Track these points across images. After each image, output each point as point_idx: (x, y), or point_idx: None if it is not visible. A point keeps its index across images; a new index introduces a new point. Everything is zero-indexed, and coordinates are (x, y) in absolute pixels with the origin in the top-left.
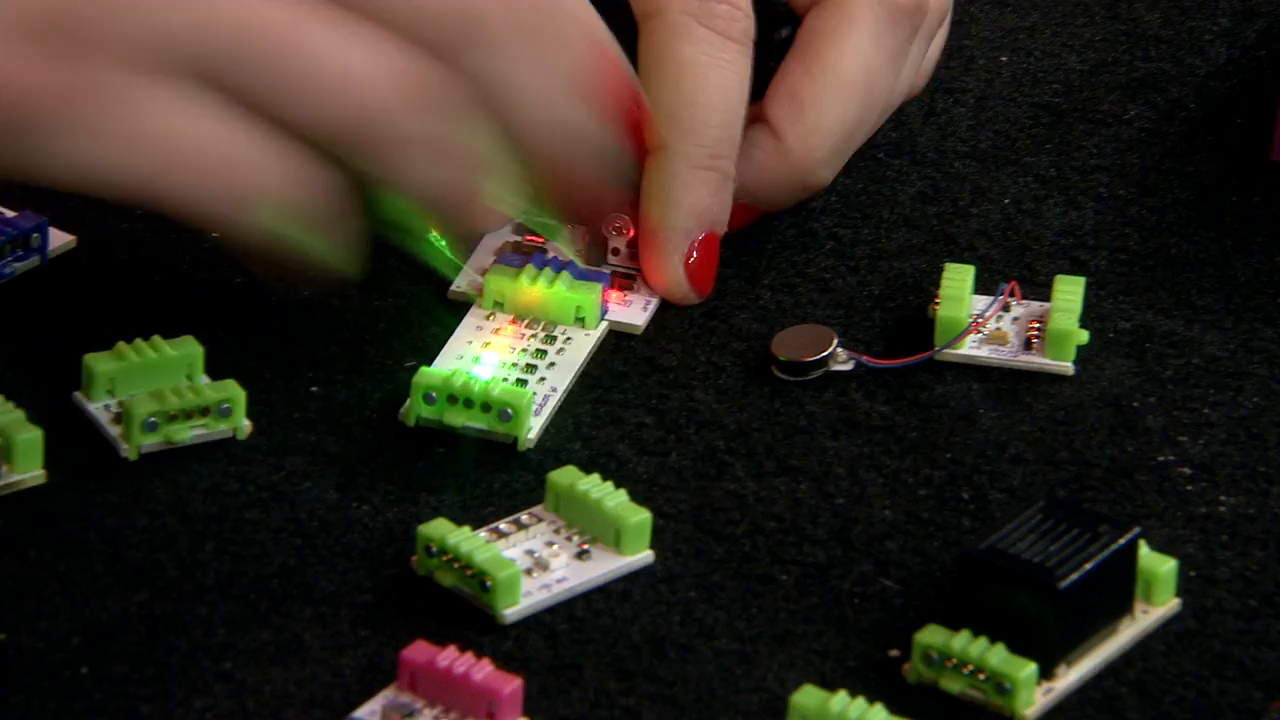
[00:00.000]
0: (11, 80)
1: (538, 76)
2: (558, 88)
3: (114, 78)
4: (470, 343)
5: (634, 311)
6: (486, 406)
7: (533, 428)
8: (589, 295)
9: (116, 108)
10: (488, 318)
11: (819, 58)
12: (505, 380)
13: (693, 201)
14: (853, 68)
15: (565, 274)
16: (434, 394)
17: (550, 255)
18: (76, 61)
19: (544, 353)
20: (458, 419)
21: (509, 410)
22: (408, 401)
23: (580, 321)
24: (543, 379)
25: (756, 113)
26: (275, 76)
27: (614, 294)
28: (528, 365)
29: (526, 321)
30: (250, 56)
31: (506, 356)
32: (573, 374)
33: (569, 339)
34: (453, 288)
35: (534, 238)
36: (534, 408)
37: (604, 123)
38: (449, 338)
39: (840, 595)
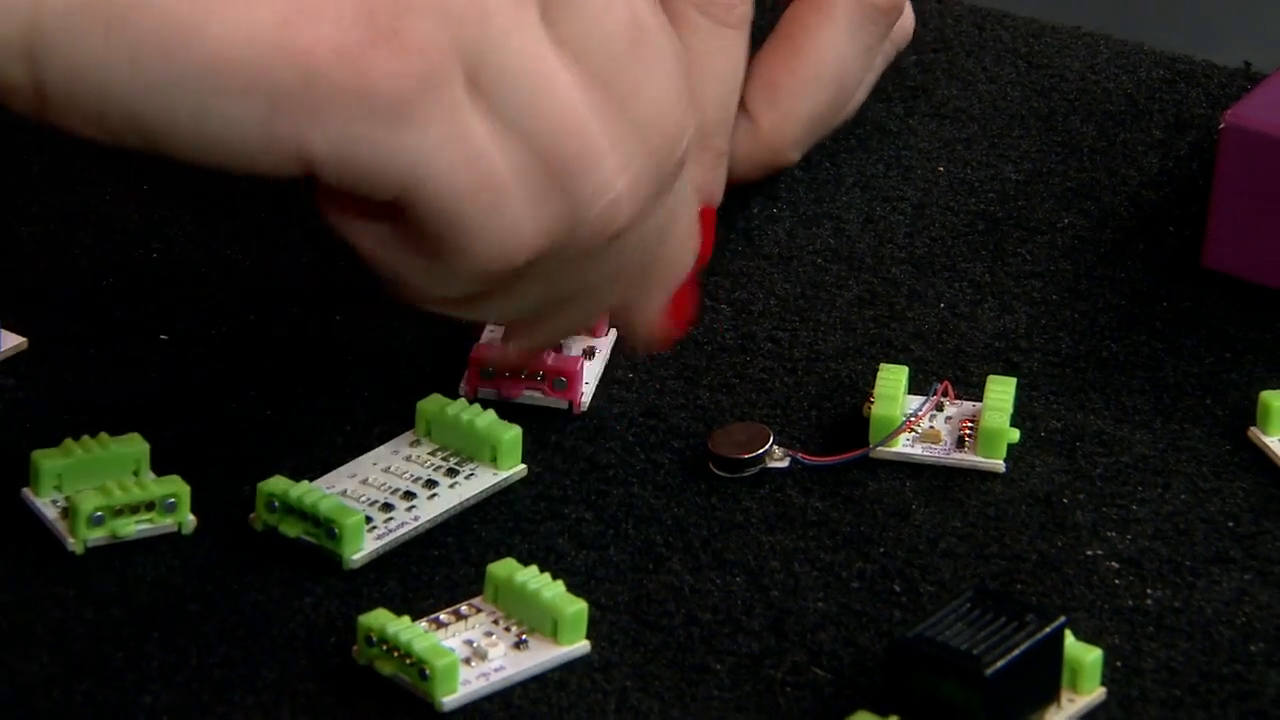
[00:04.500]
0: (365, 60)
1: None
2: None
3: (447, 77)
4: (374, 463)
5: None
6: (318, 521)
7: (363, 549)
8: (507, 435)
9: (453, 112)
10: (413, 444)
11: (798, 50)
12: (372, 500)
13: (691, 180)
14: (828, 62)
15: (491, 411)
16: (275, 502)
17: None
18: (415, 54)
19: (434, 483)
20: (293, 530)
21: (334, 528)
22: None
23: (493, 460)
24: (412, 507)
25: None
26: (527, 99)
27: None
28: (406, 493)
29: (447, 452)
30: (516, 80)
31: (398, 483)
32: (445, 509)
33: (471, 475)
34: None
35: None
36: (375, 531)
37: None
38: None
39: (773, 684)
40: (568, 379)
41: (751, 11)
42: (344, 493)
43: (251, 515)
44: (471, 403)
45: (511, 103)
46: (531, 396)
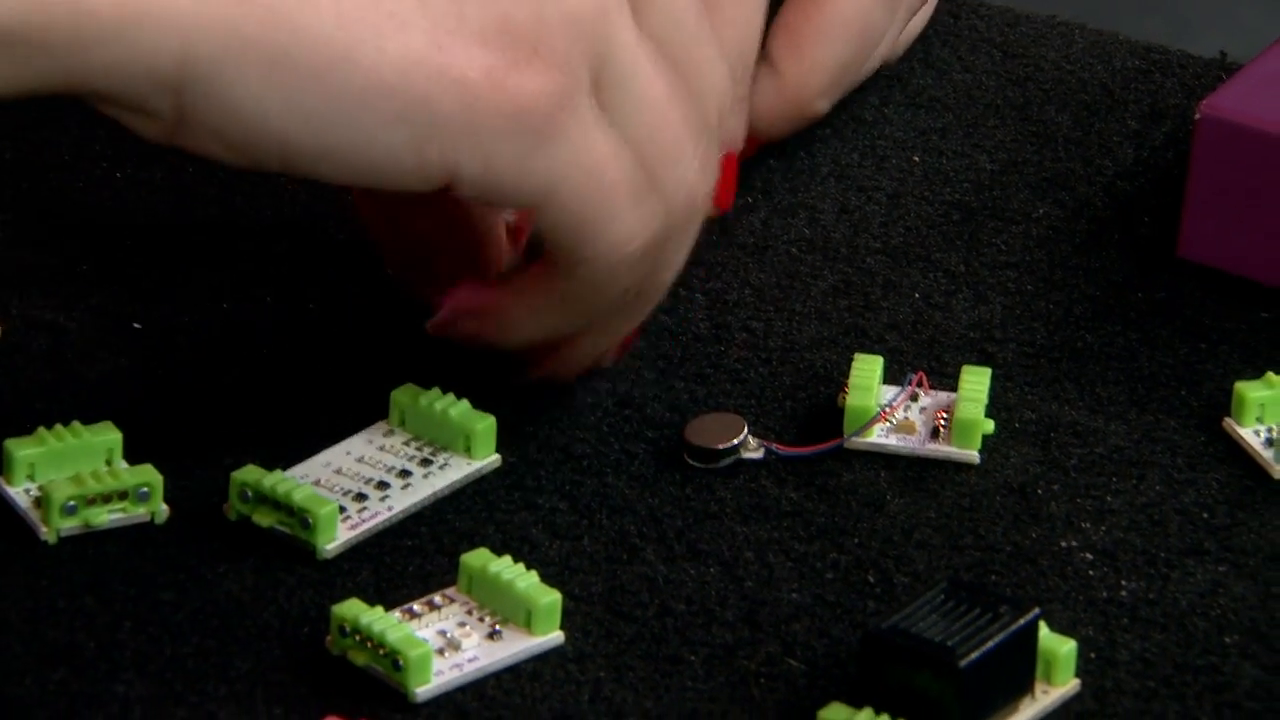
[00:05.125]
0: (512, 80)
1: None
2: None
3: (582, 88)
4: (348, 453)
5: None
6: (291, 511)
7: (337, 539)
8: (481, 424)
9: (585, 123)
10: (386, 434)
11: (818, 1)
12: (346, 491)
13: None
14: (850, 9)
15: (465, 401)
16: (248, 492)
17: None
18: (557, 69)
19: (408, 473)
20: (266, 519)
21: (308, 518)
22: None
23: (467, 450)
24: (385, 497)
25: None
26: (633, 101)
27: None
28: (380, 483)
29: (421, 442)
30: (626, 81)
31: (372, 473)
32: (419, 499)
33: (445, 465)
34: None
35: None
36: (349, 521)
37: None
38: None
39: (747, 675)
40: None
41: None
42: (318, 482)
43: (225, 505)
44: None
45: (621, 104)
46: None
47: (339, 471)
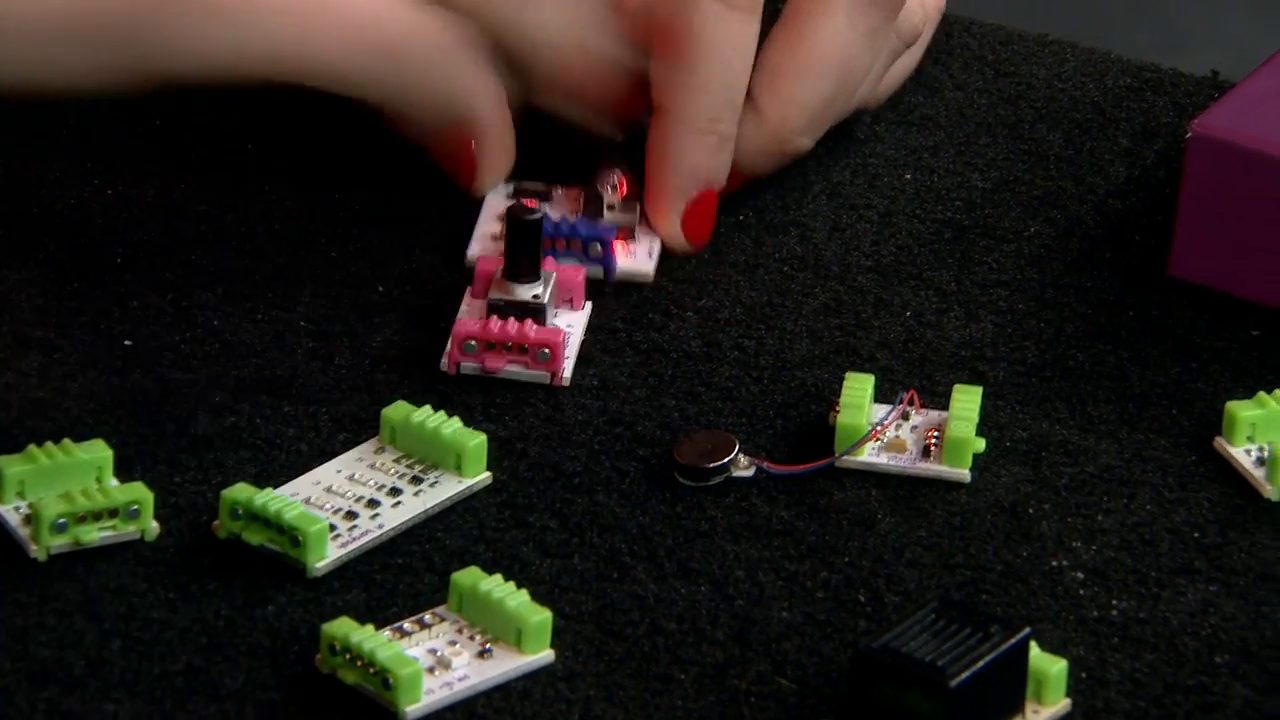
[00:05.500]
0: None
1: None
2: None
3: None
4: (339, 471)
5: (640, 260)
6: (281, 529)
7: (327, 557)
8: (471, 442)
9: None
10: (377, 451)
11: (799, 36)
12: (337, 510)
13: (691, 164)
14: (829, 46)
15: (456, 418)
16: (238, 510)
17: (553, 216)
18: None
19: (399, 491)
20: (256, 537)
21: (298, 536)
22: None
23: (458, 468)
24: (376, 515)
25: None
26: None
27: (618, 245)
28: (370, 500)
29: (412, 460)
30: None
31: (362, 491)
32: (409, 517)
33: (435, 483)
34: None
35: (530, 201)
36: (339, 539)
37: None
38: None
39: (737, 694)
40: (551, 351)
41: None
42: (308, 500)
43: (215, 523)
44: (455, 375)
45: None
46: (513, 371)
47: (329, 489)
